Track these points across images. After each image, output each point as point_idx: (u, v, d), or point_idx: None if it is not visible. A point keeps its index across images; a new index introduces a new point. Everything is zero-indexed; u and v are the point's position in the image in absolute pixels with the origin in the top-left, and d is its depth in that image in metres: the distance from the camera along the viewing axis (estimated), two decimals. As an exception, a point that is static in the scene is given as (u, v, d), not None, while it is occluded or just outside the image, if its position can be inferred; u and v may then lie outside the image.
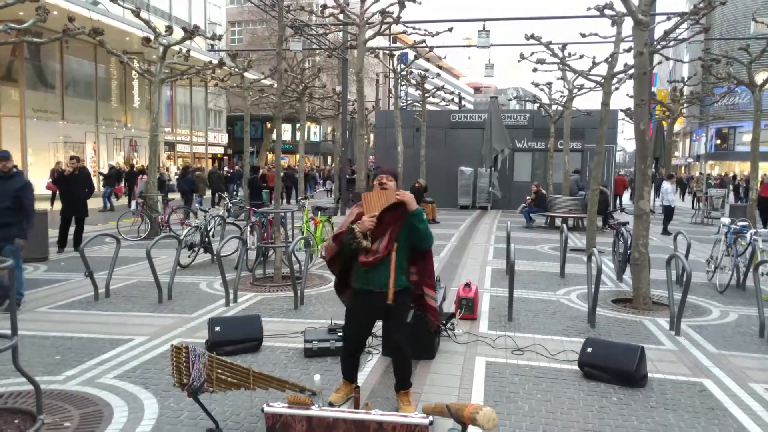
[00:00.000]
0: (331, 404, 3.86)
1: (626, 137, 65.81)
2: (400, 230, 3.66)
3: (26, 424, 3.64)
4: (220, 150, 41.20)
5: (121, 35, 22.29)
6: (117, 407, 3.93)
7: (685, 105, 23.02)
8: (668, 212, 14.93)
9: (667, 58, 15.14)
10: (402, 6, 12.59)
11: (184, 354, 3.15)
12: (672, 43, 13.47)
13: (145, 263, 7.07)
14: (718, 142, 47.11)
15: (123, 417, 3.79)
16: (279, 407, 2.98)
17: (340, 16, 14.17)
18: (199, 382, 3.15)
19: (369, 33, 12.40)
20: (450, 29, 15.66)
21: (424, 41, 16.37)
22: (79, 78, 26.09)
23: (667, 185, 15.32)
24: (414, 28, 15.73)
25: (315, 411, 2.93)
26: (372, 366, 4.75)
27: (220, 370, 3.30)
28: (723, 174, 41.46)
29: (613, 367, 4.46)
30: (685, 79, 22.10)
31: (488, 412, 2.54)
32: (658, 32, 13.15)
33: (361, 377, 4.49)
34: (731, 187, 29.15)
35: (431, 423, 2.80)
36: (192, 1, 34.64)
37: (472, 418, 2.57)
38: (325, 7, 13.62)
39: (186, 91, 34.90)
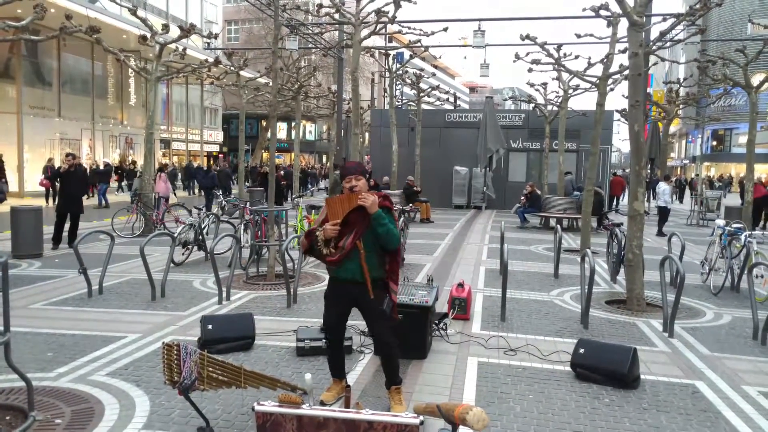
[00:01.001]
0: (322, 403, 3.86)
1: (622, 138, 65.99)
2: (366, 228, 3.70)
3: (18, 420, 3.63)
4: (215, 148, 41.14)
5: (118, 33, 22.23)
6: (108, 404, 3.92)
7: (680, 106, 23.08)
8: (663, 213, 14.97)
9: (663, 59, 15.19)
10: (397, 5, 12.58)
11: (175, 352, 3.14)
12: (668, 44, 13.51)
13: (140, 260, 7.05)
14: (714, 143, 47.34)
15: (114, 414, 3.78)
16: (269, 406, 2.97)
17: (336, 16, 14.15)
18: (189, 380, 3.14)
19: (364, 32, 12.37)
20: (445, 29, 15.66)
21: (419, 41, 16.37)
22: (76, 75, 26.02)
23: (664, 186, 15.35)
24: (409, 28, 15.74)
25: (305, 410, 2.92)
26: (364, 365, 4.75)
27: (211, 368, 3.29)
28: (720, 175, 41.63)
29: (606, 368, 4.46)
30: (681, 80, 22.16)
31: (478, 412, 2.54)
32: (654, 33, 13.18)
33: (353, 376, 4.49)
34: (729, 189, 29.28)
35: (422, 423, 2.80)
36: (189, -1, 34.57)
37: (462, 419, 2.57)
38: (320, 6, 13.57)
39: (182, 89, 34.82)
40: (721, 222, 8.82)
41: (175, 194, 19.06)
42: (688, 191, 32.03)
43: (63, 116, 24.89)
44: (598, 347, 4.67)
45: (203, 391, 3.34)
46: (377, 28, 13.06)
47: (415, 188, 17.64)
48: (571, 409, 4.06)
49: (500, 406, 4.06)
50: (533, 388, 4.40)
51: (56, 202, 10.51)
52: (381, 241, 3.70)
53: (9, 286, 7.34)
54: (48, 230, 10.32)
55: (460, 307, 6.20)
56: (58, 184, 10.61)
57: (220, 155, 39.71)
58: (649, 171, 24.06)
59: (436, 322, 5.54)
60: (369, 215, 3.65)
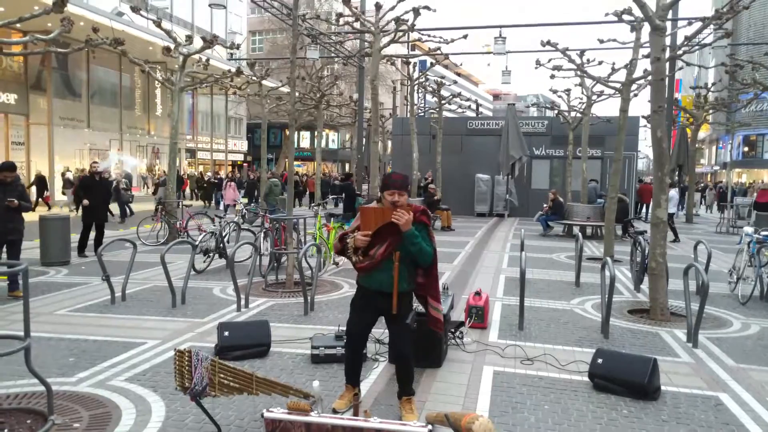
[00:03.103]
0: (334, 411, 3.86)
1: (648, 144, 64.56)
2: (399, 242, 3.66)
3: (38, 424, 3.71)
4: (240, 157, 41.70)
5: (145, 45, 22.77)
6: (125, 409, 3.98)
7: (709, 111, 22.60)
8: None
9: (689, 64, 14.88)
10: (416, 14, 12.63)
11: (186, 358, 3.17)
12: (695, 49, 13.26)
13: (161, 268, 7.16)
14: (746, 149, 46.20)
15: (130, 419, 3.83)
16: (278, 413, 2.98)
17: (356, 24, 14.25)
18: (201, 386, 3.17)
19: (384, 40, 12.43)
20: (465, 36, 15.64)
21: (438, 48, 16.38)
22: (105, 87, 26.70)
23: (672, 193, 15.30)
24: (429, 36, 15.75)
25: (314, 417, 2.92)
26: (378, 373, 4.73)
27: (222, 375, 3.32)
28: (752, 181, 40.54)
29: (625, 378, 4.37)
30: (709, 85, 21.71)
31: (484, 422, 2.51)
32: (681, 38, 12.94)
33: (367, 384, 4.48)
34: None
35: (430, 432, 2.77)
36: (213, 11, 35.20)
37: (468, 428, 2.54)
38: (340, 15, 13.70)
39: (207, 99, 35.44)
40: (749, 229, 8.58)
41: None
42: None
43: (92, 127, 25.54)
44: (617, 357, 4.58)
45: (215, 397, 3.37)
46: (396, 37, 13.12)
47: (435, 197, 17.58)
48: (588, 420, 3.97)
49: (514, 416, 4.00)
50: (549, 398, 4.33)
51: (82, 212, 10.73)
52: (413, 257, 3.69)
53: (37, 293, 7.56)
54: (76, 238, 10.55)
55: (477, 315, 6.14)
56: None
57: (245, 164, 40.23)
58: (677, 178, 23.59)
59: (452, 330, 5.50)
60: (403, 240, 3.63)
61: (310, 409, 3.01)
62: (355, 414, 3.28)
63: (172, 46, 13.20)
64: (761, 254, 7.94)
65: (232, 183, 18.73)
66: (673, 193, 15.28)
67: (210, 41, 13.11)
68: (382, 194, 3.77)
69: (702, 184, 35.93)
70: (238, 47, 16.22)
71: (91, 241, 10.61)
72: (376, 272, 3.71)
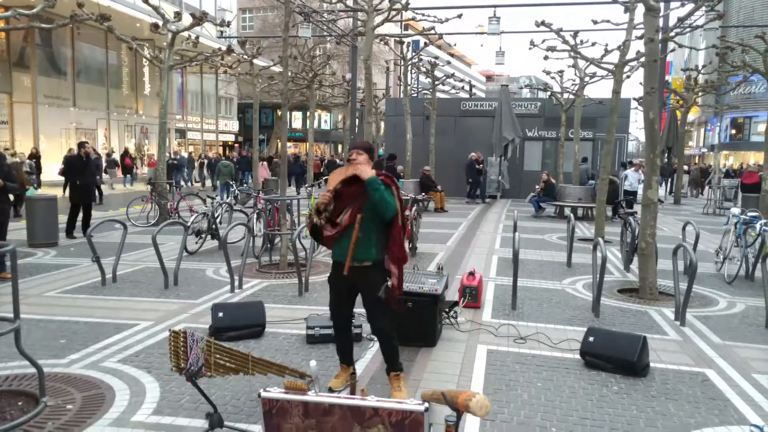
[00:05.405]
0: (331, 390, 3.89)
1: (639, 126, 64.75)
2: (364, 203, 3.68)
3: (29, 406, 3.69)
4: (230, 137, 41.31)
5: (132, 22, 22.35)
6: (119, 390, 3.98)
7: (699, 94, 22.64)
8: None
9: (681, 46, 14.86)
10: (410, -9, 12.46)
11: (182, 339, 3.17)
12: (687, 30, 13.25)
13: (153, 249, 7.12)
14: (733, 131, 46.42)
15: (124, 400, 3.83)
16: (275, 392, 2.99)
17: (349, 2, 14.04)
18: (196, 367, 3.17)
19: (378, 19, 12.27)
20: (459, 15, 15.49)
21: (433, 28, 16.21)
22: (91, 64, 26.19)
23: (630, 172, 16.21)
24: (423, 15, 15.57)
25: (311, 396, 2.93)
26: (374, 353, 4.76)
27: (218, 355, 3.32)
28: (741, 164, 40.80)
29: (615, 356, 4.44)
30: (700, 67, 21.73)
31: (481, 399, 2.54)
32: (673, 19, 12.91)
33: (362, 364, 4.51)
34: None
35: (426, 410, 2.80)
36: (203, -13, 34.51)
37: (465, 405, 2.57)
38: (333, -8, 13.52)
39: (197, 78, 34.94)
40: (736, 210, 8.68)
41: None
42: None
43: (78, 106, 25.11)
44: (607, 335, 4.65)
45: (211, 378, 3.38)
46: (390, 15, 12.95)
47: (425, 173, 17.54)
48: (579, 396, 4.04)
49: (508, 393, 4.05)
50: (542, 375, 4.39)
51: (69, 193, 10.61)
52: (378, 210, 3.66)
53: (25, 274, 7.50)
54: (64, 219, 10.45)
55: (471, 295, 6.18)
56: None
57: (236, 145, 39.89)
58: (666, 160, 23.72)
59: (446, 310, 5.54)
60: (366, 189, 3.65)
61: (307, 388, 3.02)
62: (352, 393, 3.30)
63: (160, 23, 12.95)
64: (747, 235, 8.04)
65: (264, 162, 19.84)
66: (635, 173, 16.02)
67: (199, 18, 12.87)
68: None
69: (693, 166, 35.98)
70: (228, 25, 15.95)
71: (78, 222, 10.52)
72: (343, 240, 3.71)
